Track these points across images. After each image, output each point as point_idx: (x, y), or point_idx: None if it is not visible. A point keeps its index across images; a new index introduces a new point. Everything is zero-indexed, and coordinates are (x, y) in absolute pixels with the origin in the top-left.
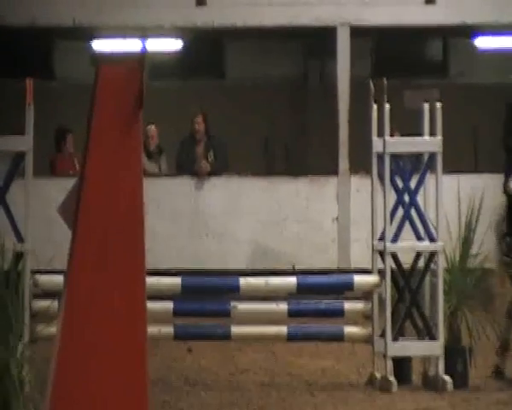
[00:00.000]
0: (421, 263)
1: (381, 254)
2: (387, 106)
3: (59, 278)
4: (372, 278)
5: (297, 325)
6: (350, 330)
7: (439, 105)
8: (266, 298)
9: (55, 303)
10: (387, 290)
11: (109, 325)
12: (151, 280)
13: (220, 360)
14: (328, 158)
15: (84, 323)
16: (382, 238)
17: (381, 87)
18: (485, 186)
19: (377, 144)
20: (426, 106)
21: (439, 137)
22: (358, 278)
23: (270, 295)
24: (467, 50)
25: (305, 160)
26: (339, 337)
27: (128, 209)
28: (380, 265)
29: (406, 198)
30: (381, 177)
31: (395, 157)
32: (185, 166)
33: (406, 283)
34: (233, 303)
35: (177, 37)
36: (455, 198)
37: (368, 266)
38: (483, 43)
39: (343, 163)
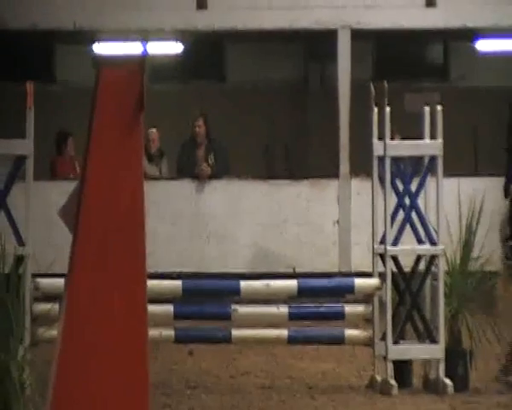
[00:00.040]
0: (421, 266)
1: (382, 257)
2: (388, 109)
3: (59, 282)
4: (373, 281)
5: (298, 328)
6: (350, 333)
7: (439, 108)
8: (267, 301)
9: (56, 306)
10: (388, 293)
11: (110, 327)
12: (152, 283)
13: (221, 363)
14: (328, 161)
15: (85, 325)
16: (383, 241)
17: (381, 90)
18: (486, 189)
19: (378, 147)
20: (426, 109)
21: (440, 140)
22: (359, 281)
23: (270, 298)
24: (467, 53)
25: (305, 163)
26: (339, 340)
27: (129, 212)
28: (380, 268)
29: (407, 201)
30: (382, 180)
31: (396, 160)
32: (186, 170)
33: (407, 286)
34: (234, 306)
35: (177, 40)
36: (455, 201)
37: (368, 269)
38: (483, 46)
39: (344, 166)
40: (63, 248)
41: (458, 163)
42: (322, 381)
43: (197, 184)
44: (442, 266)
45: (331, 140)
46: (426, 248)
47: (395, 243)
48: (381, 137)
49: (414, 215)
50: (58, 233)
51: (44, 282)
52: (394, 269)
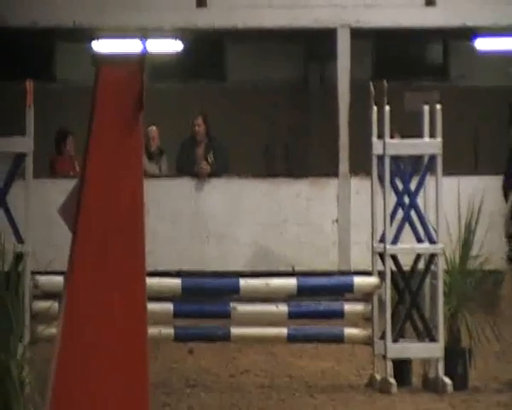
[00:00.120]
0: (421, 265)
1: (381, 256)
2: (387, 108)
3: (59, 280)
4: (372, 280)
5: (297, 327)
6: (350, 331)
7: (439, 107)
8: (266, 300)
9: (56, 304)
10: (387, 292)
11: (110, 326)
12: (151, 281)
13: (220, 362)
14: (328, 160)
15: (85, 324)
16: (382, 240)
17: (381, 89)
18: (486, 188)
19: (377, 146)
20: (426, 108)
21: (439, 139)
22: (358, 280)
23: (270, 296)
24: (467, 52)
25: (305, 161)
26: (339, 339)
27: (128, 210)
28: (380, 267)
29: (406, 200)
30: (381, 179)
31: (395, 159)
32: (185, 169)
33: (406, 285)
34: (233, 305)
35: (177, 38)
36: (455, 200)
37: (368, 267)
38: (483, 45)
39: (343, 165)
40: (63, 246)
41: (458, 162)
42: (321, 380)
43: (197, 183)
44: (441, 265)
45: (331, 139)
46: (425, 247)
47: (394, 241)
48: (381, 136)
49: (413, 214)
50: (58, 231)
51: (44, 280)
52: (394, 268)
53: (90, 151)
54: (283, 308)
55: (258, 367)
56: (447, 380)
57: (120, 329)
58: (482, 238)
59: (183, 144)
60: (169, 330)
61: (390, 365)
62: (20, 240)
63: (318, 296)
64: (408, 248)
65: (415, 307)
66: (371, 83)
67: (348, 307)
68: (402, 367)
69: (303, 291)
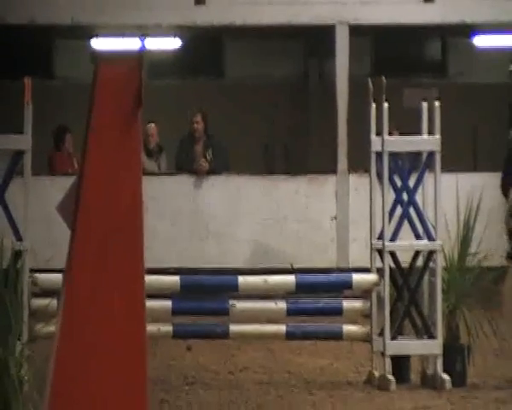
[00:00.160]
0: (419, 262)
1: (380, 252)
2: (386, 105)
3: (58, 277)
4: (371, 277)
5: (296, 324)
6: (348, 328)
7: (437, 104)
8: (265, 297)
9: (54, 302)
10: (386, 289)
11: (108, 323)
12: (150, 279)
13: (219, 359)
14: (326, 157)
15: (83, 321)
16: (381, 237)
17: (379, 86)
18: (484, 185)
19: (376, 143)
20: (424, 105)
21: (438, 136)
22: (357, 277)
23: (268, 293)
24: (465, 49)
25: (304, 157)
26: (337, 336)
27: (128, 207)
28: (378, 264)
29: (405, 197)
30: (380, 176)
31: (394, 156)
32: (184, 166)
33: (405, 281)
34: (232, 302)
35: (176, 35)
36: (453, 197)
37: (367, 264)
38: (482, 41)
39: (342, 162)
40: (61, 243)
41: (456, 159)
42: (320, 376)
43: (195, 180)
44: (440, 262)
45: (330, 136)
46: (424, 243)
47: (393, 238)
48: (379, 133)
49: (412, 211)
50: (56, 229)
51: (42, 277)
52: (392, 265)
53: (89, 148)
54: (282, 305)
55: (257, 364)
56: (446, 377)
57: (119, 326)
58: (481, 235)
59: (182, 142)
60: (167, 328)
61: (388, 362)
62: (18, 237)
63: (317, 293)
64: (406, 245)
65: (413, 304)
66: (370, 80)
67: (347, 304)
68: (400, 364)
69: (302, 288)
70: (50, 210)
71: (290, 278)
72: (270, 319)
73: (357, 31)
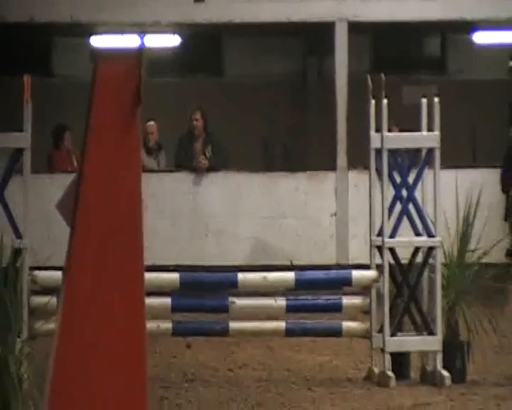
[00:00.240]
0: (419, 258)
1: (380, 249)
2: (385, 101)
3: (57, 275)
4: (370, 274)
5: (295, 321)
6: (348, 325)
7: (437, 100)
8: (264, 294)
9: (54, 300)
10: (386, 286)
11: (108, 321)
12: (149, 276)
13: (218, 356)
14: (326, 154)
15: (83, 319)
16: (380, 233)
17: (379, 83)
18: (484, 181)
19: (375, 140)
20: (424, 101)
21: (437, 133)
22: (357, 274)
23: (268, 290)
24: (465, 46)
25: (304, 155)
26: (337, 333)
27: (127, 206)
28: (378, 260)
29: (404, 193)
30: (379, 172)
31: (393, 152)
32: (184, 163)
33: (404, 278)
34: (231, 299)
35: (175, 33)
36: (453, 193)
37: (366, 261)
38: (481, 38)
39: (341, 159)
40: (61, 241)
41: (456, 155)
42: (319, 373)
43: (195, 178)
44: (439, 259)
45: (329, 133)
46: (423, 240)
47: (393, 235)
48: (379, 130)
49: (411, 207)
50: (56, 226)
51: (42, 275)
52: (392, 261)
53: (88, 146)
54: (281, 302)
55: (257, 361)
56: (445, 373)
57: (118, 324)
58: (480, 231)
59: (181, 139)
60: (167, 325)
61: (388, 358)
62: (18, 235)
63: (316, 290)
64: (406, 241)
65: (413, 300)
66: (369, 77)
67: (346, 301)
68: (400, 361)
69: (301, 285)
70: (50, 208)
71: (290, 275)
72: (270, 315)
73: (356, 28)
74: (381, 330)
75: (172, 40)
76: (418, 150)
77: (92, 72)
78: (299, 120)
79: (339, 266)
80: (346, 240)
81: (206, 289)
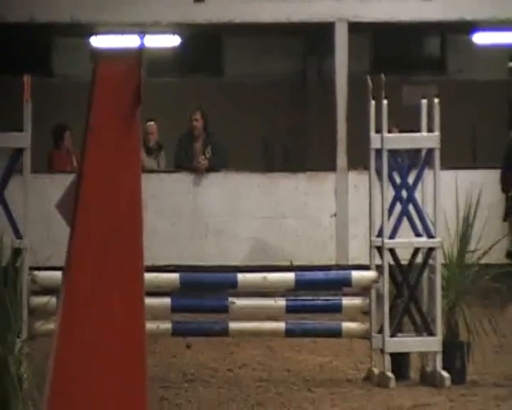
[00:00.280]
0: (419, 259)
1: (379, 249)
2: (385, 102)
3: (57, 275)
4: (370, 274)
5: (295, 321)
6: (348, 326)
7: (437, 101)
8: (264, 294)
9: (54, 300)
10: (385, 286)
11: (107, 322)
12: (149, 276)
13: (218, 356)
14: (326, 154)
15: (82, 320)
16: (380, 234)
17: (379, 83)
18: (484, 182)
19: (375, 140)
20: (424, 102)
21: (437, 133)
22: (356, 274)
23: (268, 291)
24: (465, 46)
25: (303, 156)
26: (337, 333)
27: (127, 206)
28: (378, 261)
29: (404, 194)
30: (379, 173)
31: (393, 153)
32: (184, 164)
33: (404, 278)
34: (231, 299)
35: (175, 33)
36: (453, 194)
37: (366, 261)
38: (481, 39)
39: (341, 159)
40: (61, 241)
41: (456, 156)
42: (319, 374)
43: (195, 178)
44: (439, 259)
45: (329, 133)
46: (423, 240)
47: (392, 235)
48: (379, 131)
49: (411, 208)
50: (56, 226)
51: (42, 275)
52: (392, 262)
53: (88, 146)
54: (281, 303)
55: (256, 361)
56: (445, 374)
57: (118, 325)
58: (480, 232)
59: (181, 139)
60: (167, 325)
61: (388, 359)
62: (18, 235)
63: (316, 290)
64: (406, 242)
65: (413, 301)
66: (369, 77)
67: (346, 302)
68: (400, 361)
69: (301, 285)
70: (50, 208)
71: (289, 276)
72: (270, 316)
73: (356, 28)
74: (380, 331)
75: (172, 40)
76: (418, 151)
77: (92, 72)
78: (299, 120)
79: (338, 267)
80: (345, 240)
81: (206, 290)
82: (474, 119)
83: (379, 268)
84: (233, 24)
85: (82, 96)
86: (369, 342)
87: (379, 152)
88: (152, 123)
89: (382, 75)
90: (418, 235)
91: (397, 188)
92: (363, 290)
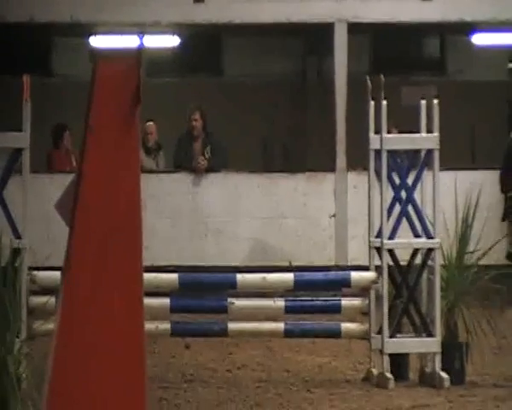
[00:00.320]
0: (418, 260)
1: (379, 250)
2: (385, 103)
3: (56, 275)
4: (369, 275)
5: (294, 322)
6: (347, 326)
7: (436, 102)
8: (263, 294)
9: (53, 300)
10: (385, 287)
11: (106, 322)
12: (149, 277)
13: (217, 357)
14: (325, 154)
15: (81, 319)
16: (380, 235)
17: (378, 84)
18: (483, 182)
19: (374, 141)
20: (423, 102)
21: (437, 134)
22: (356, 275)
23: (267, 291)
24: (464, 47)
25: (303, 156)
26: (336, 334)
27: (126, 206)
28: (377, 261)
29: (403, 195)
30: (379, 173)
31: (392, 154)
32: (183, 164)
33: (403, 279)
34: (230, 300)
35: (174, 33)
36: (452, 195)
37: (365, 262)
38: (480, 39)
39: (340, 160)
40: (60, 241)
41: (455, 157)
42: (318, 374)
43: (194, 178)
44: (438, 260)
45: (328, 134)
46: (422, 241)
47: (392, 236)
48: (378, 131)
49: (410, 209)
50: (55, 226)
51: (41, 275)
52: (391, 263)
53: (87, 146)
54: (280, 303)
55: (255, 362)
56: (444, 375)
57: (117, 325)
58: (479, 233)
59: (181, 140)
60: (166, 325)
61: (387, 359)
62: (17, 235)
63: (315, 291)
64: (405, 242)
65: (412, 301)
66: (368, 77)
67: (345, 302)
68: (399, 362)
69: (300, 286)
70: (49, 208)
71: (289, 276)
72: (269, 316)
73: (355, 28)
74: (379, 332)
75: (172, 40)
76: (417, 151)
77: (92, 72)
78: (299, 120)
79: (338, 268)
80: (345, 241)
81: (206, 290)
82: (473, 119)
83: (378, 269)
84: (233, 24)
85: (81, 96)
86: (369, 342)
87: (378, 153)
88: (151, 123)
89: (382, 76)
90: (417, 236)
91: (396, 188)
92: (363, 291)
